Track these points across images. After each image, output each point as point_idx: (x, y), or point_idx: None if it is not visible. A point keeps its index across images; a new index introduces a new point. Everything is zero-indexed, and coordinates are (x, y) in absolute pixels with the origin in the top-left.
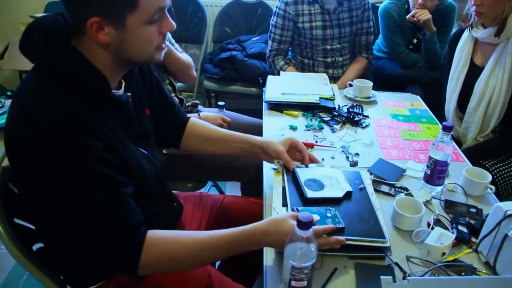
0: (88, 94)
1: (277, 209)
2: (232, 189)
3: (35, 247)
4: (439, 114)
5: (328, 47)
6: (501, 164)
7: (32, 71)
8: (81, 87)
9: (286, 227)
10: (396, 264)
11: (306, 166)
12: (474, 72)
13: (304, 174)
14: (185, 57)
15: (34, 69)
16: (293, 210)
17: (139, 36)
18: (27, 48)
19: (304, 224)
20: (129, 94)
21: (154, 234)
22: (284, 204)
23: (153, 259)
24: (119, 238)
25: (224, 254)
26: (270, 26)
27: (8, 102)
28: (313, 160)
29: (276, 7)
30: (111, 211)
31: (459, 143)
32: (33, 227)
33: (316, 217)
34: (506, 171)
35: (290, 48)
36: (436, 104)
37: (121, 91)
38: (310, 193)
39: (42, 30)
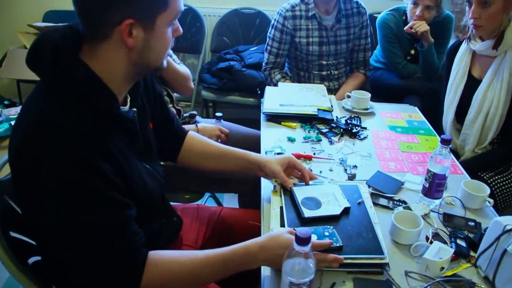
0: (96, 111)
1: (275, 230)
2: (230, 200)
3: (32, 259)
4: (437, 124)
5: (324, 62)
6: (499, 176)
7: (39, 85)
8: (89, 104)
9: (283, 241)
10: (393, 280)
11: (307, 185)
12: (472, 84)
13: (301, 193)
14: (183, 69)
15: (41, 83)
16: None
17: (162, 38)
18: (34, 63)
19: (303, 240)
20: (135, 109)
21: (155, 255)
22: (282, 225)
23: (155, 280)
24: (121, 261)
25: (223, 272)
26: (268, 39)
27: (5, 112)
28: (311, 177)
29: (274, 19)
30: (114, 234)
31: (457, 155)
32: (29, 240)
33: (313, 237)
34: (504, 183)
35: (286, 60)
36: (434, 115)
37: (127, 107)
38: (307, 212)
39: (50, 44)
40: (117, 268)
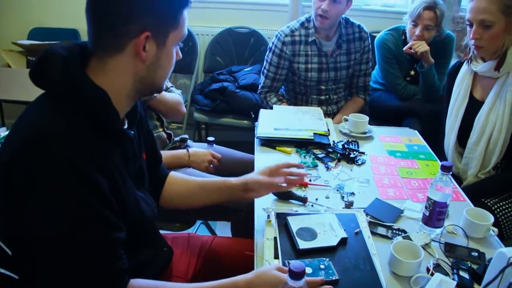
0: (99, 127)
1: (269, 261)
2: (222, 227)
3: None
4: (439, 148)
5: (323, 87)
6: (504, 203)
7: (41, 98)
8: (93, 119)
9: (270, 278)
10: None
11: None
12: (474, 106)
13: (296, 222)
14: (172, 96)
15: (44, 96)
16: (284, 264)
17: (170, 56)
18: (40, 77)
19: (297, 274)
20: (132, 131)
21: (136, 283)
22: (276, 257)
23: None
24: (101, 282)
25: None
26: (265, 62)
27: None
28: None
29: (273, 43)
30: (98, 253)
31: (459, 180)
32: (9, 273)
33: (308, 270)
34: (509, 210)
35: (283, 83)
36: (435, 138)
37: (126, 126)
38: (303, 244)
39: (59, 59)
40: None
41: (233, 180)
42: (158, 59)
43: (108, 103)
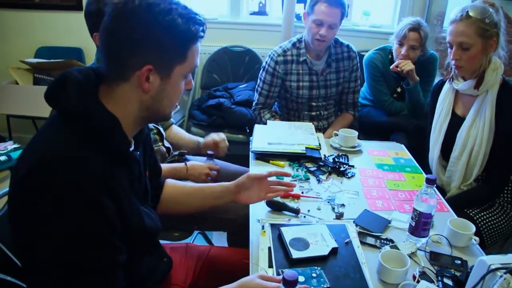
0: (109, 150)
1: (265, 269)
2: (219, 238)
3: None
4: (424, 161)
5: (314, 103)
6: (485, 213)
7: (54, 119)
8: (103, 143)
9: (255, 287)
10: None
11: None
12: (456, 122)
13: (289, 233)
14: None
15: (57, 118)
16: (278, 273)
17: (176, 88)
18: (56, 99)
19: (290, 283)
20: (138, 152)
21: None
22: (270, 266)
23: None
24: None
25: None
26: (259, 80)
27: None
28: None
29: (266, 62)
30: (100, 276)
31: (443, 191)
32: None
33: (301, 279)
34: (490, 219)
35: (276, 100)
36: (420, 152)
37: (132, 148)
38: (295, 254)
39: (75, 82)
40: None
41: (223, 185)
42: (162, 90)
43: (118, 128)
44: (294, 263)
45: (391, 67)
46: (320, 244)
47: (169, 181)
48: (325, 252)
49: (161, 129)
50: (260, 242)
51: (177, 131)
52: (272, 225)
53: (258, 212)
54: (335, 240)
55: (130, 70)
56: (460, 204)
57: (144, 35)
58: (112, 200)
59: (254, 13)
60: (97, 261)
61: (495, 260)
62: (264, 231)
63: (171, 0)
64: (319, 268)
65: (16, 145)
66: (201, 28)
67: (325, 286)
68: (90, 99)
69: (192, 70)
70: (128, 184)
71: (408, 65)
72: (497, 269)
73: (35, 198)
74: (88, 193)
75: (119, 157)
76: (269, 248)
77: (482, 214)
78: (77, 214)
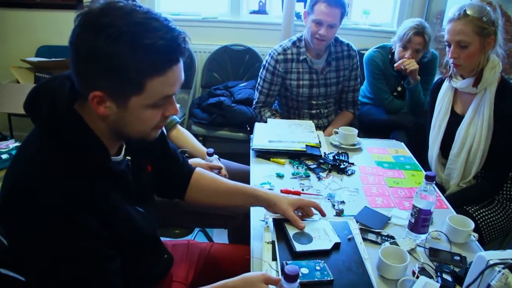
0: (86, 164)
1: (269, 262)
2: (220, 235)
3: None
4: (424, 159)
5: (314, 102)
6: (484, 210)
7: (35, 130)
8: (80, 156)
9: (249, 279)
10: None
11: (323, 215)
12: (455, 120)
13: (292, 228)
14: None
15: (36, 130)
16: (282, 265)
17: (139, 117)
18: (31, 110)
19: (291, 277)
20: (129, 158)
21: None
22: (274, 259)
23: None
24: None
25: None
26: (259, 79)
27: None
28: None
29: (266, 61)
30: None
31: (442, 189)
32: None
33: (305, 271)
34: (489, 216)
35: (276, 98)
36: (420, 149)
37: (121, 156)
38: (299, 247)
39: (48, 92)
40: None
41: (263, 193)
42: (122, 117)
43: (94, 140)
44: (298, 256)
45: (395, 64)
46: (323, 238)
47: (201, 172)
48: (328, 246)
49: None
50: (263, 236)
51: (184, 135)
52: (276, 221)
53: (259, 209)
54: (338, 236)
55: (86, 91)
56: (460, 201)
57: (90, 59)
58: (95, 217)
59: (254, 12)
60: (88, 274)
61: (494, 255)
62: (268, 227)
63: (137, 19)
64: (322, 261)
65: (17, 144)
66: (166, 56)
67: (328, 279)
68: (62, 110)
69: (162, 100)
70: (118, 192)
71: (412, 65)
72: (495, 264)
73: (17, 221)
74: (67, 217)
75: (100, 172)
76: (273, 242)
77: (481, 211)
78: (58, 235)
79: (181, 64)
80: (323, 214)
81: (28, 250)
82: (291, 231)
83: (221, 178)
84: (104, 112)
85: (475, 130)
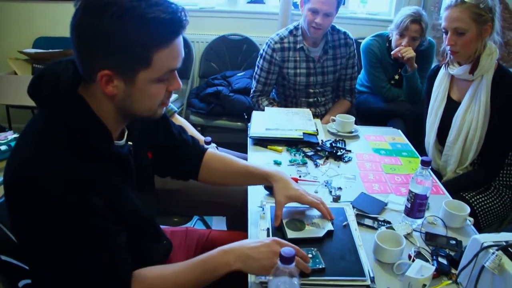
0: (90, 147)
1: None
2: (218, 223)
3: (22, 282)
4: (421, 146)
5: (311, 90)
6: (480, 196)
7: (38, 114)
8: (84, 139)
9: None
10: None
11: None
12: (451, 107)
13: (286, 215)
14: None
15: (41, 113)
16: None
17: (146, 92)
18: (35, 93)
19: (287, 259)
20: (131, 143)
21: (139, 275)
22: None
23: None
24: (112, 286)
25: (202, 277)
26: (256, 68)
27: None
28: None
29: (263, 50)
30: (105, 261)
31: (439, 175)
32: (19, 263)
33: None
34: (485, 202)
35: (274, 87)
36: (417, 137)
37: (123, 141)
38: (291, 234)
39: (52, 77)
40: None
41: (272, 175)
42: (129, 95)
43: (97, 124)
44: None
45: (392, 52)
46: (316, 226)
47: (213, 152)
48: (320, 234)
49: None
50: (259, 224)
51: (183, 124)
52: (272, 207)
53: (257, 196)
54: (333, 223)
55: (93, 72)
56: (456, 187)
57: (97, 39)
58: (99, 196)
59: (251, 2)
60: (96, 250)
61: (488, 238)
62: (264, 213)
63: None
64: (315, 249)
65: (16, 135)
66: (170, 28)
67: (320, 267)
68: (65, 93)
69: (167, 73)
70: (120, 176)
71: (409, 53)
72: (489, 246)
73: (21, 202)
74: (74, 194)
75: (103, 155)
76: (268, 229)
77: (478, 197)
78: (65, 214)
79: (181, 38)
80: (328, 218)
81: (34, 231)
82: (285, 218)
83: (233, 158)
84: (112, 92)
85: (472, 116)
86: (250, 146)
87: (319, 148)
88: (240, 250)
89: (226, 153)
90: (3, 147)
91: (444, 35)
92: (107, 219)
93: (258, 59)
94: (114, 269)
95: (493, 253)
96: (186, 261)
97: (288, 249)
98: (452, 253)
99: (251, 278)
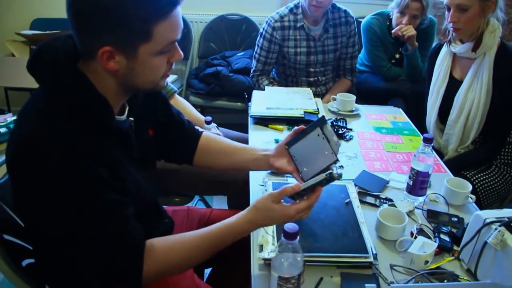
0: (91, 121)
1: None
2: (219, 203)
3: (26, 262)
4: (422, 126)
5: (311, 69)
6: (481, 174)
7: (38, 90)
8: (85, 114)
9: (272, 214)
10: (379, 274)
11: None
12: (453, 85)
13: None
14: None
15: (41, 90)
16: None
17: (148, 65)
18: (35, 69)
19: (290, 235)
20: (132, 119)
21: (151, 245)
22: None
23: (154, 270)
24: (124, 256)
25: (214, 245)
26: (256, 47)
27: None
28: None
29: (263, 29)
30: (114, 232)
31: (441, 154)
32: (23, 243)
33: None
34: (486, 180)
35: (274, 67)
36: (418, 116)
37: (124, 117)
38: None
39: (51, 52)
40: (120, 262)
41: (264, 153)
42: (132, 69)
43: (98, 98)
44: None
45: (393, 31)
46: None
47: (208, 135)
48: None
49: None
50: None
51: (183, 104)
52: (275, 184)
53: (258, 174)
54: (336, 200)
55: (93, 49)
56: (458, 166)
57: (95, 16)
58: (105, 167)
59: None
60: (105, 221)
61: (490, 214)
62: (266, 191)
63: None
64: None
65: (15, 117)
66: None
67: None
68: (65, 68)
69: (168, 45)
70: (121, 151)
71: (410, 31)
72: (492, 222)
73: (26, 178)
74: (79, 166)
75: (104, 129)
76: None
77: (479, 175)
78: (71, 186)
79: (180, 9)
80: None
81: (39, 207)
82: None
83: (227, 141)
84: (114, 67)
85: (474, 95)
86: (251, 125)
87: None
88: (260, 223)
89: (223, 137)
90: (3, 130)
91: (446, 12)
92: (113, 189)
93: (258, 38)
94: (123, 240)
95: (495, 229)
96: (201, 230)
97: (291, 225)
98: (454, 230)
99: (254, 255)
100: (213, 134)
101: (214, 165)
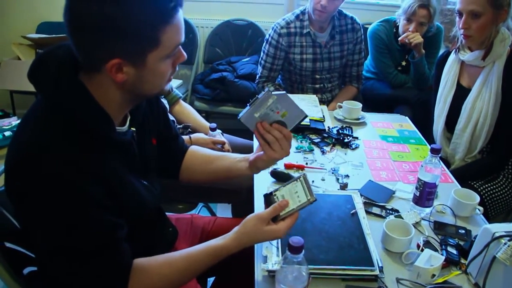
0: (90, 135)
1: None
2: (223, 210)
3: (27, 270)
4: (428, 133)
5: (317, 76)
6: (489, 184)
7: (39, 100)
8: (85, 128)
9: (263, 236)
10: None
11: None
12: (461, 93)
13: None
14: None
15: (41, 98)
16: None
17: (157, 71)
18: (36, 78)
19: (295, 248)
20: (134, 129)
21: (138, 267)
22: None
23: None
24: (108, 278)
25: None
26: (262, 53)
27: None
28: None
29: (269, 35)
30: (102, 253)
31: (447, 163)
32: (24, 251)
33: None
34: (494, 191)
35: (280, 73)
36: (425, 124)
37: (125, 127)
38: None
39: (53, 61)
40: (104, 284)
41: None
42: (140, 77)
43: (98, 110)
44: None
45: (399, 38)
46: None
47: (194, 149)
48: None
49: (165, 102)
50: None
51: (188, 110)
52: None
53: (262, 183)
54: (341, 211)
55: (99, 62)
56: (464, 176)
57: (100, 27)
58: (100, 185)
59: None
60: (95, 242)
61: (500, 228)
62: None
63: None
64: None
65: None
66: (172, 3)
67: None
68: (67, 79)
69: (175, 49)
70: (123, 163)
71: (417, 38)
72: (501, 236)
73: (23, 192)
74: (71, 185)
75: (105, 143)
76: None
77: (486, 185)
78: (64, 203)
79: (181, 11)
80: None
81: (31, 219)
82: None
83: (209, 151)
84: (123, 78)
85: (482, 104)
86: None
87: (325, 135)
88: (249, 244)
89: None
90: (7, 133)
91: (457, 18)
92: (107, 209)
93: (264, 44)
94: (109, 262)
95: (505, 244)
96: (191, 248)
97: (296, 238)
98: (462, 243)
99: (257, 266)
100: (200, 148)
101: (197, 177)
